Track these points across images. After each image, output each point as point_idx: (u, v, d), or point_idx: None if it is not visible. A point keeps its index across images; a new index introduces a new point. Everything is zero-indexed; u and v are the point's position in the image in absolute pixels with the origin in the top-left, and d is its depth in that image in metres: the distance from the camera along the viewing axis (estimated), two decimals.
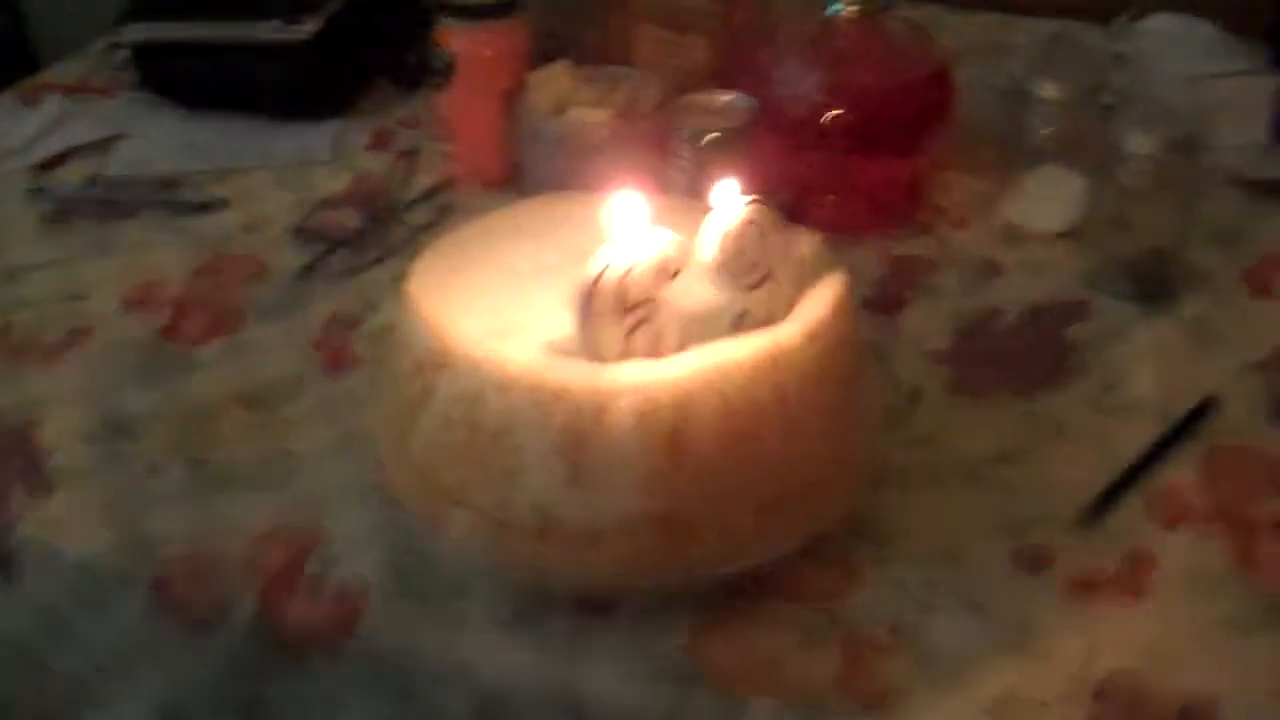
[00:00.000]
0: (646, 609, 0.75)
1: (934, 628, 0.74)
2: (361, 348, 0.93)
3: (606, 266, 0.69)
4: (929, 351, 0.94)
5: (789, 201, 0.99)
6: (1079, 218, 1.05)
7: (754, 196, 0.73)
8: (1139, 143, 0.94)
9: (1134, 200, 0.97)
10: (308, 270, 1.02)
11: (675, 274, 0.71)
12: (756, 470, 0.72)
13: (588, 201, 0.74)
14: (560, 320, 0.70)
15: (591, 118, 1.03)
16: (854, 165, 1.04)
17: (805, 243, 0.79)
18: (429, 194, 1.10)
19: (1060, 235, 1.05)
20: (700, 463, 0.70)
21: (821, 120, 1.01)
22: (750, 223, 0.73)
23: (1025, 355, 0.94)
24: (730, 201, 0.73)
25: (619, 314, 0.70)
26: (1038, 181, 1.06)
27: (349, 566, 0.78)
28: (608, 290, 0.69)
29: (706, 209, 0.73)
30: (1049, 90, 1.04)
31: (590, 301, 0.69)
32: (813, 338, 0.73)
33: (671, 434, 0.69)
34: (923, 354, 0.94)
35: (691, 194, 0.76)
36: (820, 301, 0.75)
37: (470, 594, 0.76)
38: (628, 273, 0.70)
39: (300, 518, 0.81)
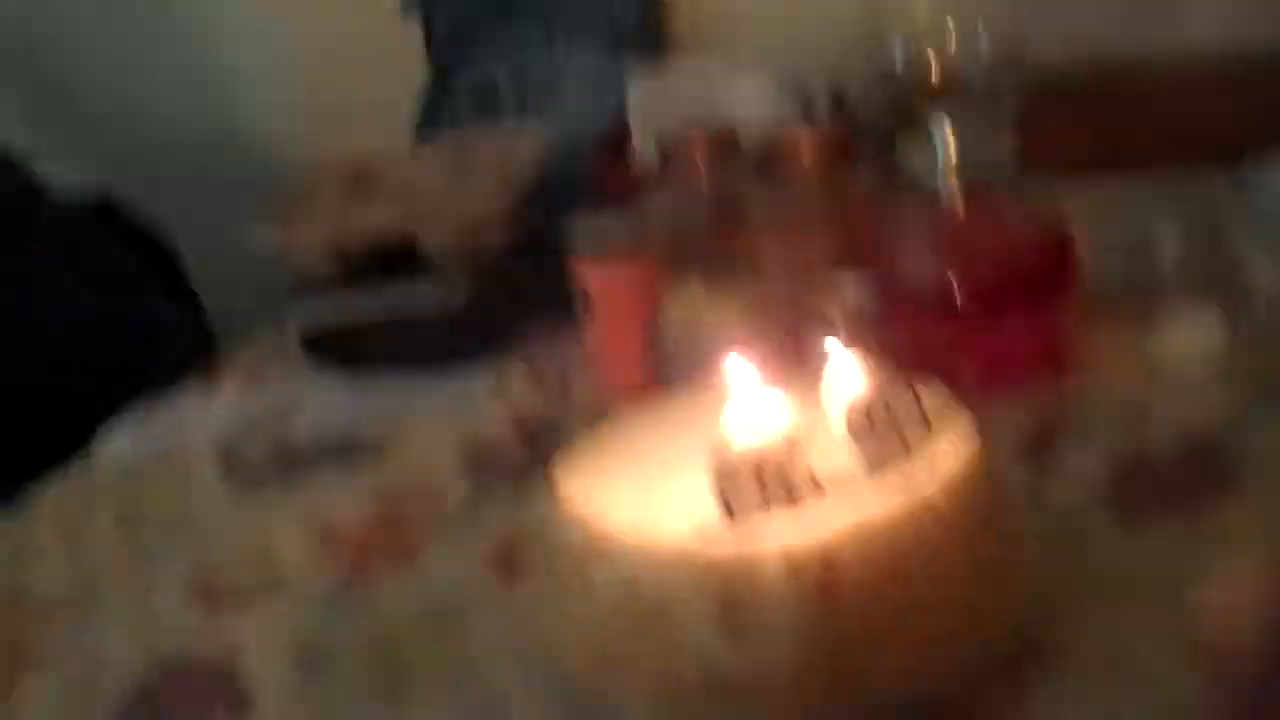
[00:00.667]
0: None
1: None
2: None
3: (740, 438, 0.78)
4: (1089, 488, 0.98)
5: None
6: (1220, 345, 1.11)
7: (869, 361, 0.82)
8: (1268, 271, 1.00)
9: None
10: (477, 498, 1.12)
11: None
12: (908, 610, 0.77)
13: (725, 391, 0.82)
14: (703, 502, 0.78)
15: (725, 320, 1.14)
16: (986, 330, 1.12)
17: (928, 395, 0.85)
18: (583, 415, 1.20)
19: (1205, 366, 1.10)
20: (858, 612, 0.76)
21: (949, 292, 1.10)
22: (875, 389, 0.82)
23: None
24: (849, 369, 0.82)
25: (755, 482, 0.77)
26: (1174, 319, 1.13)
27: None
28: (735, 474, 0.77)
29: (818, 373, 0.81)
30: (1172, 232, 1.11)
31: (724, 485, 0.77)
32: (950, 493, 0.78)
33: (822, 583, 0.75)
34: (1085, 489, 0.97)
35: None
36: (949, 452, 0.81)
37: None
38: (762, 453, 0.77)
39: None
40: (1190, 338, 1.12)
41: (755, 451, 0.76)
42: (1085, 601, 0.86)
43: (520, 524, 1.06)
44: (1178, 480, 1.00)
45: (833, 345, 0.81)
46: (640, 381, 1.19)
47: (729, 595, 0.76)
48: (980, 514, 0.80)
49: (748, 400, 0.77)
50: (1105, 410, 1.08)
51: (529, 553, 1.02)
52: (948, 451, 0.81)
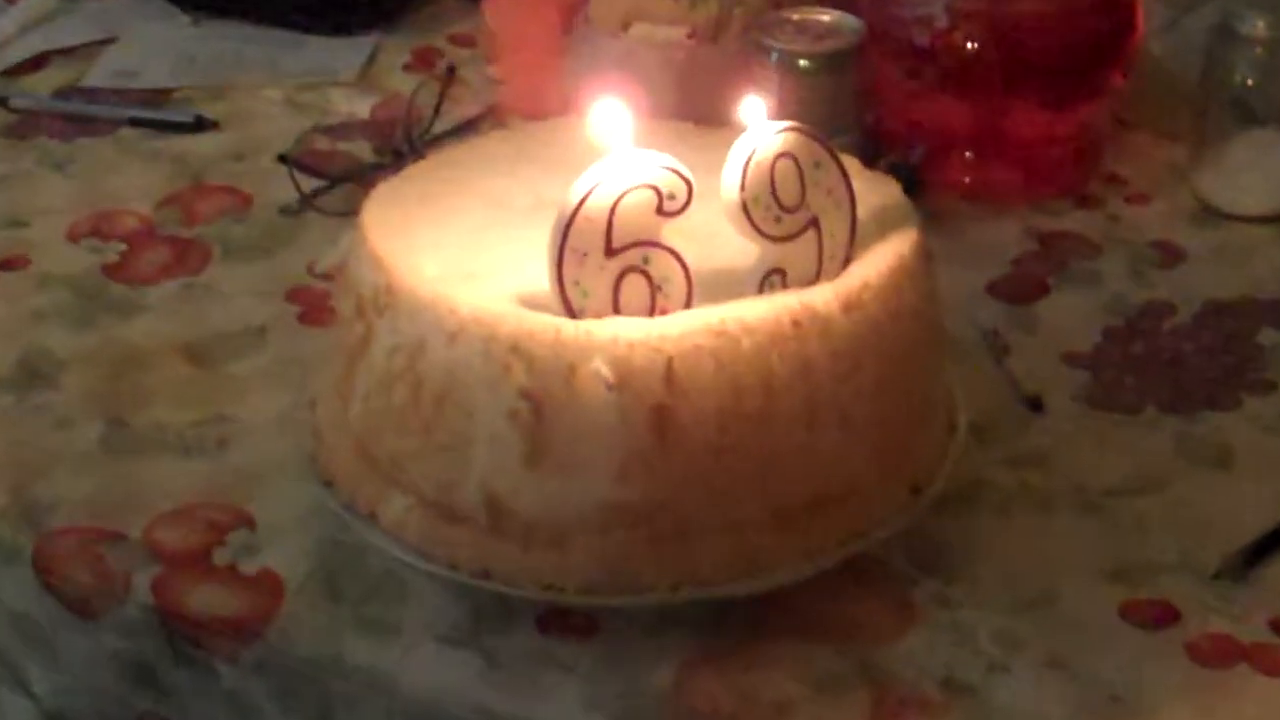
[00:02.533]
0: (624, 633, 0.75)
1: (1003, 687, 0.73)
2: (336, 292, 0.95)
3: (590, 193, 0.70)
4: (1066, 352, 0.94)
5: (911, 157, 1.02)
6: None
7: (794, 125, 0.74)
8: None
9: None
10: (298, 208, 1.06)
11: (680, 210, 0.71)
12: (770, 464, 0.72)
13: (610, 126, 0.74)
14: (541, 266, 0.71)
15: (664, 36, 1.04)
16: (999, 114, 1.04)
17: (878, 191, 0.79)
18: (463, 126, 1.13)
19: (1266, 219, 1.04)
20: (697, 446, 0.70)
21: (959, 51, 1.01)
22: (787, 155, 0.73)
23: (1193, 363, 0.93)
24: (763, 126, 0.73)
25: (603, 254, 0.70)
26: (1242, 149, 1.05)
27: (267, 556, 0.80)
28: (590, 222, 0.70)
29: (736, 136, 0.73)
30: (1259, 28, 1.02)
31: (566, 235, 0.70)
32: (852, 306, 0.73)
33: (659, 407, 0.69)
34: (1058, 354, 0.93)
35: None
36: (875, 263, 0.75)
37: (405, 599, 0.77)
38: (617, 202, 0.70)
39: (221, 495, 0.84)
40: (1254, 182, 1.05)
41: (614, 216, 0.70)
42: (1009, 503, 0.83)
43: (330, 254, 0.99)
44: (1180, 358, 0.94)
45: (755, 105, 0.74)
46: (544, 97, 1.10)
47: (535, 395, 0.70)
48: (890, 344, 0.74)
49: (623, 150, 0.71)
50: (1125, 250, 1.03)
51: (326, 290, 0.96)
52: (871, 255, 0.75)
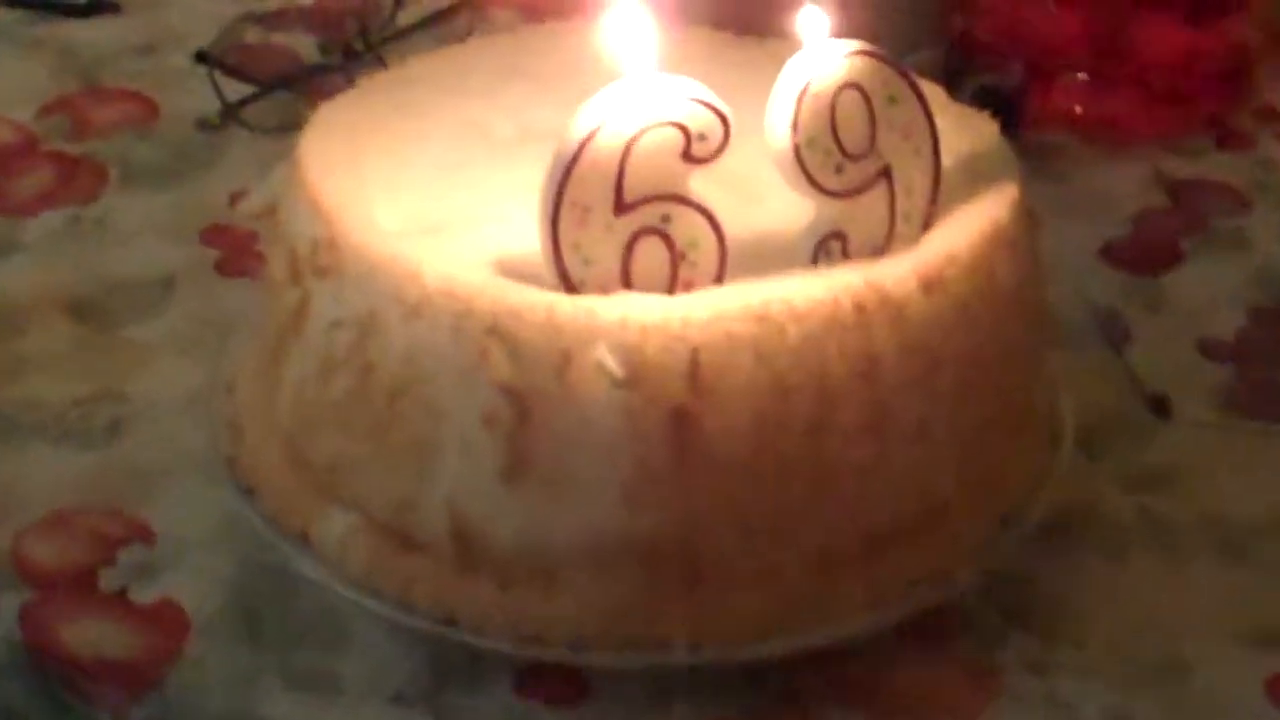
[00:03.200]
0: (624, 699, 0.75)
1: None
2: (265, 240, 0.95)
3: (596, 130, 0.68)
4: (1202, 339, 0.94)
5: (1007, 79, 1.02)
6: None
7: (863, 46, 0.73)
8: None
9: None
10: (219, 121, 1.05)
11: (713, 156, 0.70)
12: (822, 488, 0.71)
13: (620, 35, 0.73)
14: (529, 219, 0.70)
15: None
16: (1125, 23, 1.05)
17: (970, 130, 0.79)
18: (435, 18, 1.13)
19: None
20: (727, 462, 0.70)
21: None
22: (852, 86, 0.73)
23: None
24: (826, 47, 0.72)
25: (611, 210, 0.69)
26: None
27: (168, 581, 0.79)
28: (595, 168, 0.68)
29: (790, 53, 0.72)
30: None
31: (564, 184, 0.69)
32: (933, 286, 0.72)
33: (680, 411, 0.69)
34: (1192, 341, 0.94)
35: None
36: (964, 229, 0.74)
37: (346, 646, 0.77)
38: (632, 143, 0.69)
39: (112, 498, 0.83)
40: None
41: (627, 161, 0.69)
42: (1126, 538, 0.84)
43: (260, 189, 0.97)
44: None
45: (812, 15, 0.73)
46: None
47: (519, 393, 0.69)
48: (981, 335, 0.74)
49: (641, 71, 0.70)
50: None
51: (254, 232, 0.96)
52: (958, 218, 0.75)
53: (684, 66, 0.70)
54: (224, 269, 0.96)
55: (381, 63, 1.07)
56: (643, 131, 0.69)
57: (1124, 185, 1.03)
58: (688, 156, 0.70)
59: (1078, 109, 1.07)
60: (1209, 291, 0.97)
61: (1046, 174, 0.99)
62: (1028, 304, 0.77)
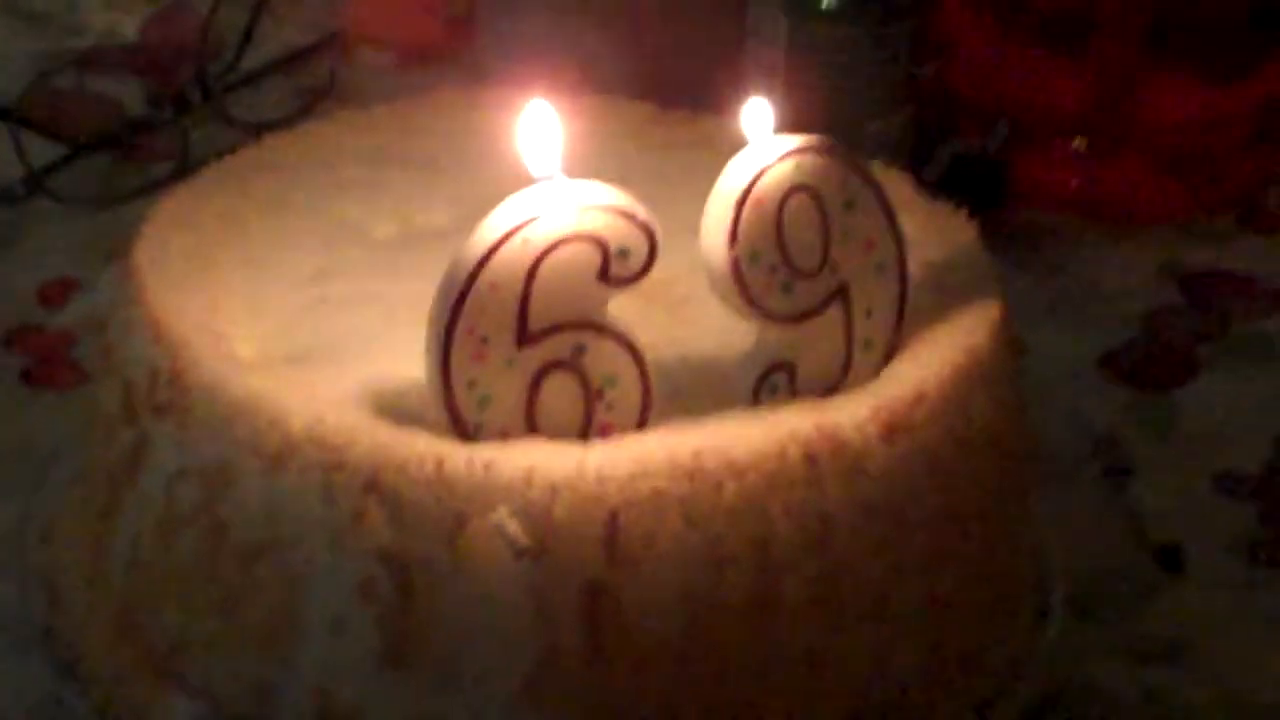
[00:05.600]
0: None
1: None
2: (90, 353, 0.95)
3: (495, 248, 0.69)
4: (1221, 473, 0.94)
5: (989, 142, 1.03)
6: None
7: (817, 140, 0.74)
8: None
9: None
10: (23, 191, 1.06)
11: (636, 276, 0.71)
12: (763, 678, 0.72)
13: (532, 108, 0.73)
14: (416, 344, 0.70)
15: None
16: (1132, 79, 1.07)
17: (943, 235, 0.81)
18: (288, 59, 1.16)
19: None
20: (650, 647, 0.70)
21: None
22: (803, 189, 0.74)
23: None
24: (771, 143, 0.73)
25: (513, 341, 0.70)
26: None
27: None
28: (495, 291, 0.69)
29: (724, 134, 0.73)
30: None
31: (458, 310, 0.69)
32: (898, 432, 0.73)
33: (595, 586, 0.69)
34: (1209, 476, 0.94)
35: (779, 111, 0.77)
36: (935, 361, 0.75)
37: None
38: (536, 264, 0.70)
39: None
40: None
41: (533, 282, 0.69)
42: None
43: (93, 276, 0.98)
44: None
45: (757, 105, 0.74)
46: (419, 23, 1.11)
47: (403, 563, 0.70)
48: (956, 489, 0.75)
49: (555, 172, 0.71)
50: None
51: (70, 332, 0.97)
52: (928, 346, 0.76)
53: (600, 153, 0.71)
54: (31, 380, 0.96)
55: (224, 117, 1.07)
56: (552, 247, 0.69)
57: (1129, 278, 1.04)
58: (605, 277, 0.70)
59: (1074, 183, 1.08)
60: (1229, 413, 0.97)
61: (1035, 264, 1.00)
62: (1010, 450, 0.78)
